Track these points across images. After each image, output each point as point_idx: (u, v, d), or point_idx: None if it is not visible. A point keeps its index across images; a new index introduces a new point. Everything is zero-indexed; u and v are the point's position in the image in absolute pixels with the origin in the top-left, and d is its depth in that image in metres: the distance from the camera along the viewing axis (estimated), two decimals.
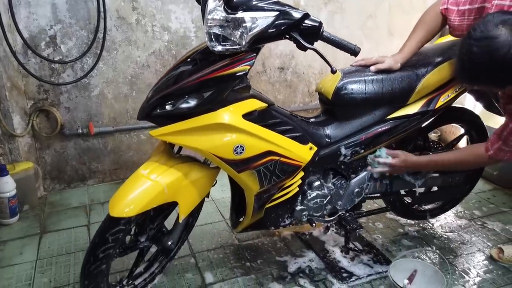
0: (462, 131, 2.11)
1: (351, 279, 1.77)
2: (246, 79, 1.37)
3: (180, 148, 1.53)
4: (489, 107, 1.93)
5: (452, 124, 2.90)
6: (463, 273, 1.82)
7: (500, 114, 1.92)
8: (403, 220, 2.22)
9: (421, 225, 2.20)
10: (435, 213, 2.20)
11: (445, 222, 2.23)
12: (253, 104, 1.38)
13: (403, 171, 1.72)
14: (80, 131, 2.44)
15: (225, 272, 1.81)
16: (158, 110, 1.32)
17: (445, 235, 2.12)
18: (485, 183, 2.67)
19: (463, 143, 2.26)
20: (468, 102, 2.76)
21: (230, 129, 1.33)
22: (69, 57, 2.32)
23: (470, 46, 1.25)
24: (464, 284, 1.75)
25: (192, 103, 1.29)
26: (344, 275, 1.79)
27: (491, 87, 1.41)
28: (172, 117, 1.31)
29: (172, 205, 1.55)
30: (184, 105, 1.29)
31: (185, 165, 1.42)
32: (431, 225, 2.20)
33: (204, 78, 1.27)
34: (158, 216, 1.55)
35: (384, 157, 1.63)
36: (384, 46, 3.08)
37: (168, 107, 1.31)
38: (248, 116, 1.36)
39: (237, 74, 1.28)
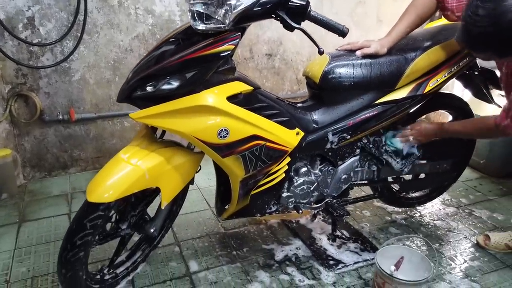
0: (450, 118, 2.09)
1: (338, 267, 1.75)
2: (230, 60, 1.32)
3: (163, 132, 1.48)
4: (478, 94, 1.91)
5: (439, 112, 2.90)
6: (449, 260, 1.82)
7: (489, 102, 1.90)
8: (390, 208, 2.21)
9: (408, 213, 2.20)
10: (422, 200, 2.19)
11: (432, 210, 2.23)
12: (238, 87, 1.33)
13: (422, 140, 1.74)
14: (60, 117, 2.36)
15: (210, 260, 1.78)
16: (139, 92, 1.26)
17: (432, 222, 2.11)
18: (472, 172, 2.67)
19: None
20: (457, 88, 2.75)
21: (214, 112, 1.28)
22: (48, 40, 2.23)
23: (475, 8, 1.21)
24: (450, 271, 1.75)
25: (174, 84, 1.24)
26: (331, 262, 1.77)
27: (492, 55, 1.37)
28: (153, 99, 1.26)
29: (155, 191, 1.51)
30: (165, 86, 1.24)
31: (168, 150, 1.37)
32: (418, 213, 2.19)
33: (186, 58, 1.22)
34: (140, 202, 1.51)
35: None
36: (373, 33, 3.05)
37: (149, 89, 1.25)
38: (233, 99, 1.31)
39: (221, 54, 1.23)
